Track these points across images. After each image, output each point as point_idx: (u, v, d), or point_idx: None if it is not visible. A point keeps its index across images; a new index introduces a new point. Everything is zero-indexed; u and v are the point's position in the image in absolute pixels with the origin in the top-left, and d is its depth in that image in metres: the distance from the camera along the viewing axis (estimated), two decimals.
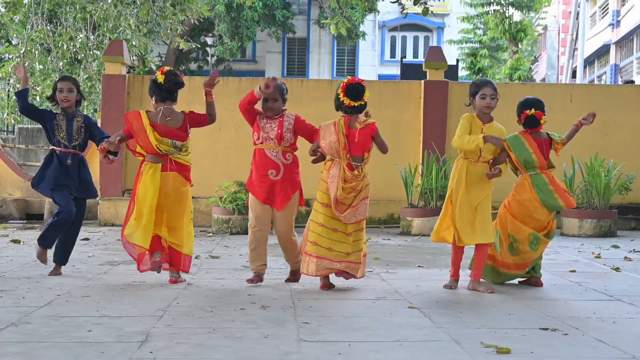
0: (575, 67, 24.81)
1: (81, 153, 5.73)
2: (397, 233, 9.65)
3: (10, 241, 7.86)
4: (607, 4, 27.85)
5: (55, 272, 5.62)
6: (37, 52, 13.96)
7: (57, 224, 5.54)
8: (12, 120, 14.45)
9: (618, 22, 26.37)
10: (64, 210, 5.52)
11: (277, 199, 5.17)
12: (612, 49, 27.02)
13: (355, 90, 5.05)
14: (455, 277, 5.29)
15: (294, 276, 5.41)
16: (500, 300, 4.77)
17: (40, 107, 6.28)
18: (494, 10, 25.66)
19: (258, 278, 5.22)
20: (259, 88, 5.10)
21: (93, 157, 10.86)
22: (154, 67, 18.01)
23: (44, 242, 5.61)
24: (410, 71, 13.28)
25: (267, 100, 5.21)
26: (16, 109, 14.23)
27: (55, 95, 5.66)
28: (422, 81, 10.75)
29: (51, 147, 5.70)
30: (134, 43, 13.67)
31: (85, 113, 6.89)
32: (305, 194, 5.35)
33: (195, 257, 6.80)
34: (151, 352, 3.33)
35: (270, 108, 5.22)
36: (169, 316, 4.13)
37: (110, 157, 5.51)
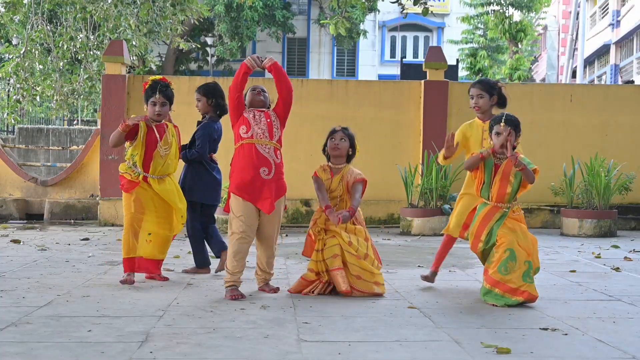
0: (575, 67, 24.82)
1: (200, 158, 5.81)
2: (397, 233, 9.65)
3: (10, 241, 7.86)
4: (607, 4, 27.86)
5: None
6: (37, 52, 13.94)
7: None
8: (12, 120, 14.43)
9: (618, 22, 26.38)
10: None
11: (268, 200, 4.75)
12: (612, 49, 27.04)
13: None
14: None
15: (269, 287, 5.05)
16: None
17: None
18: (494, 11, 25.69)
19: (239, 291, 4.80)
20: (251, 58, 4.86)
21: (93, 157, 10.89)
22: (154, 67, 18.02)
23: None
24: (410, 71, 13.27)
25: (254, 89, 4.98)
26: (16, 109, 14.24)
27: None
28: (422, 81, 10.74)
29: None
30: (134, 43, 13.66)
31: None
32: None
33: None
34: (151, 352, 3.33)
35: (257, 100, 4.94)
36: (169, 316, 4.13)
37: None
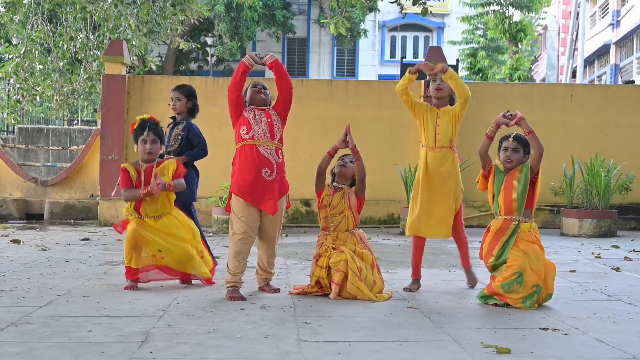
0: (575, 67, 24.83)
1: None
2: (397, 233, 9.65)
3: (10, 241, 7.86)
4: (607, 4, 27.87)
5: None
6: (37, 52, 13.96)
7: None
8: (12, 120, 14.44)
9: (618, 22, 26.39)
10: None
11: (271, 201, 4.74)
12: (612, 49, 27.05)
13: None
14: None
15: (269, 287, 5.05)
16: None
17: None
18: (494, 11, 25.71)
19: (239, 293, 4.77)
20: (249, 56, 4.83)
21: (93, 157, 10.89)
22: (154, 67, 18.02)
23: None
24: None
25: (255, 86, 4.94)
26: (16, 109, 14.26)
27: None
28: (422, 81, 10.74)
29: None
30: (134, 43, 13.67)
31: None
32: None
33: None
34: (151, 352, 3.33)
35: (258, 98, 4.92)
36: (169, 316, 4.13)
37: None
